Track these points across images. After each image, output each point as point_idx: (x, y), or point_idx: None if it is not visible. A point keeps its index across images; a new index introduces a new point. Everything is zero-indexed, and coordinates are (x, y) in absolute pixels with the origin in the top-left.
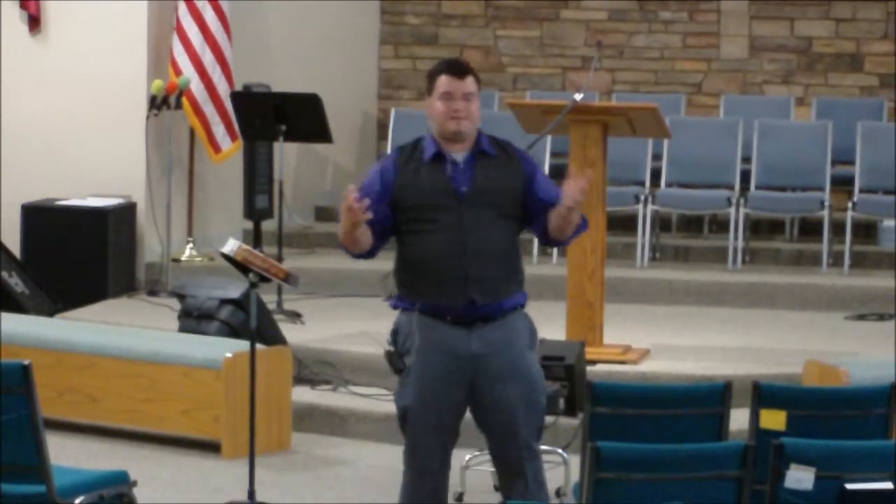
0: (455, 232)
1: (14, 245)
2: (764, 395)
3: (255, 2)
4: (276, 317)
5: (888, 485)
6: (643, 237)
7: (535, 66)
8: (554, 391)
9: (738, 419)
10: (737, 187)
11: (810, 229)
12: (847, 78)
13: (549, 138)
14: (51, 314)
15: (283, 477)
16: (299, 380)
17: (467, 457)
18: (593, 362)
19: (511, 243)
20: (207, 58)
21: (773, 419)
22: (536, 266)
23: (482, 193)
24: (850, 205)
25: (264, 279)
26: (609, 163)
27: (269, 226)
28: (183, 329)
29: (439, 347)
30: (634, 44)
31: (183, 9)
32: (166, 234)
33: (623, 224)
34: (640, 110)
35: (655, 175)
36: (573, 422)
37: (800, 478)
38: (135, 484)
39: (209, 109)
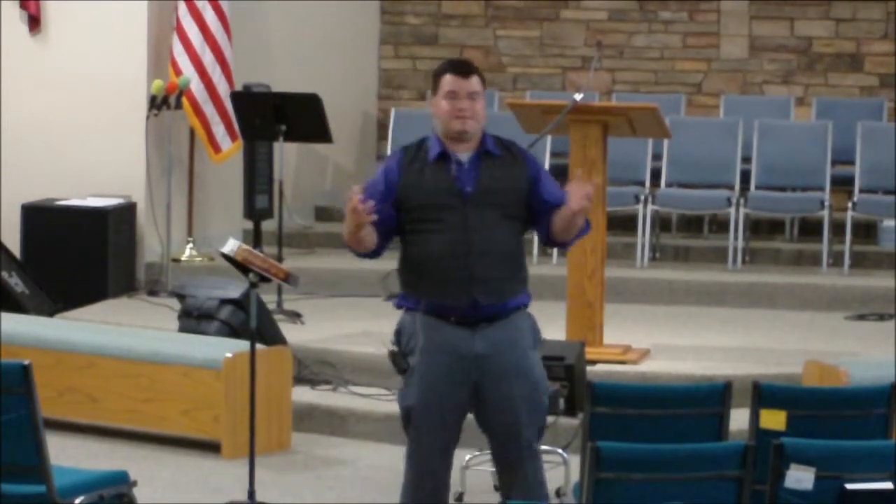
0: (460, 232)
1: (14, 245)
2: (764, 395)
3: (255, 2)
4: (276, 317)
5: (888, 485)
6: (643, 237)
7: (535, 66)
8: (554, 391)
9: (738, 419)
10: (737, 187)
11: (810, 229)
12: (847, 78)
13: (549, 138)
14: (51, 314)
15: (283, 477)
16: (299, 380)
17: (467, 457)
18: (593, 362)
19: (515, 244)
20: (207, 58)
21: (773, 419)
22: (536, 266)
23: (487, 193)
24: (850, 205)
25: (264, 279)
26: (609, 163)
27: (269, 226)
28: (183, 329)
29: (443, 348)
30: (634, 44)
31: (183, 9)
32: (166, 234)
33: (623, 224)
34: (640, 110)
35: (655, 175)
36: (573, 422)
37: (800, 478)
38: (135, 484)
39: (209, 109)
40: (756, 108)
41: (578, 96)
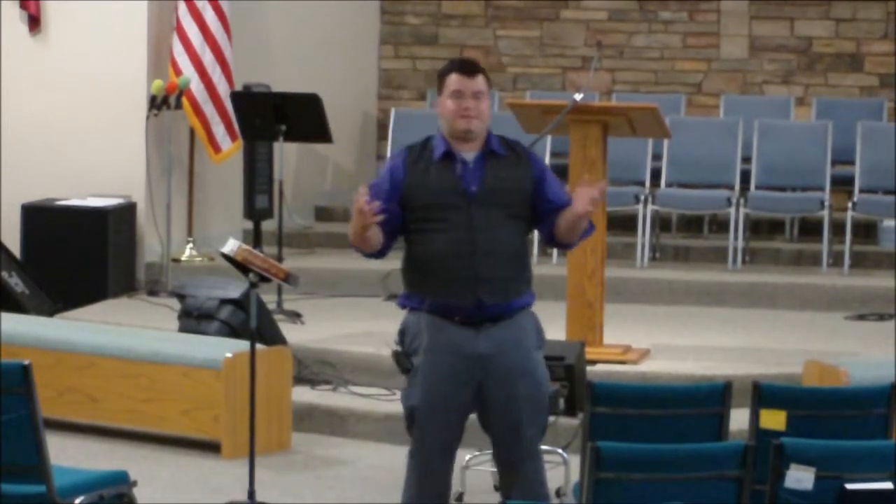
0: (465, 231)
1: (14, 245)
2: (764, 395)
3: (255, 2)
4: (276, 317)
5: (888, 485)
6: (643, 237)
7: (535, 66)
8: (554, 391)
9: (738, 419)
10: (737, 187)
11: (810, 229)
12: (847, 78)
13: (549, 138)
14: (51, 314)
15: (283, 477)
16: (299, 380)
17: (467, 457)
18: (593, 362)
19: (520, 244)
20: (207, 58)
21: (773, 419)
22: (536, 266)
23: (492, 193)
24: (850, 205)
25: (264, 279)
26: (609, 163)
27: (269, 226)
28: (183, 329)
29: (447, 348)
30: (634, 44)
31: (183, 9)
32: (166, 234)
33: (623, 224)
34: (640, 110)
35: (655, 175)
36: (573, 422)
37: (800, 478)
38: (135, 484)
39: (209, 109)
40: (756, 108)
41: (578, 96)
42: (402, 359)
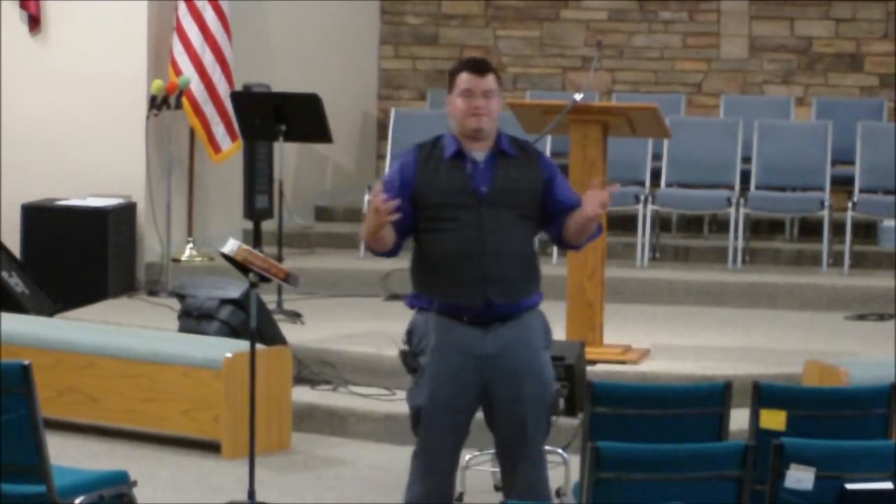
0: (474, 231)
1: (14, 245)
2: (764, 395)
3: (255, 2)
4: (276, 317)
5: (888, 485)
6: (643, 237)
7: (535, 66)
8: (554, 391)
9: (738, 419)
10: (737, 187)
11: (810, 229)
12: (847, 78)
13: (549, 138)
14: (51, 314)
15: (283, 477)
16: (299, 380)
17: (467, 457)
18: (593, 362)
19: (530, 244)
20: (207, 58)
21: (773, 419)
22: None
23: (502, 194)
24: (850, 205)
25: (264, 279)
26: (609, 163)
27: (269, 226)
28: (183, 329)
29: (455, 348)
30: (634, 44)
31: (183, 9)
32: (166, 234)
33: (623, 224)
34: (640, 110)
35: (655, 175)
36: (573, 422)
37: (800, 478)
38: (135, 484)
39: (209, 109)
40: (756, 108)
41: (578, 96)
42: (410, 358)
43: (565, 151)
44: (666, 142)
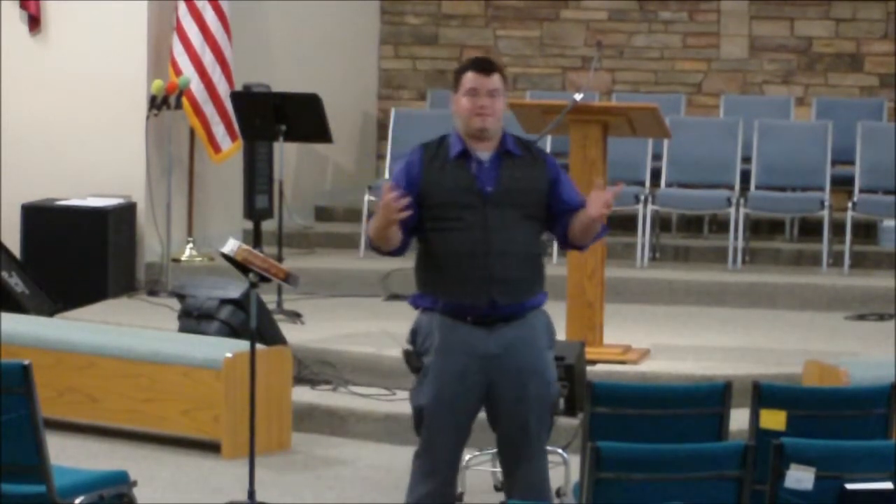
0: (479, 231)
1: (14, 245)
2: (764, 395)
3: (255, 2)
4: (276, 317)
5: (888, 485)
6: (643, 237)
7: (535, 66)
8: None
9: (738, 419)
10: (737, 187)
11: (810, 229)
12: (847, 78)
13: (549, 138)
14: (51, 314)
15: (283, 477)
16: (299, 380)
17: (467, 457)
18: (593, 362)
19: (535, 244)
20: (207, 58)
21: (773, 419)
22: None
23: (507, 193)
24: (850, 205)
25: (264, 279)
26: (609, 163)
27: (269, 226)
28: (183, 329)
29: (459, 347)
30: (634, 44)
31: (183, 9)
32: (166, 234)
33: (623, 224)
34: (640, 110)
35: (655, 175)
36: (573, 422)
37: (800, 478)
38: (135, 484)
39: (209, 109)
40: (756, 108)
41: (578, 96)
42: (413, 358)
43: (565, 151)
44: (666, 142)
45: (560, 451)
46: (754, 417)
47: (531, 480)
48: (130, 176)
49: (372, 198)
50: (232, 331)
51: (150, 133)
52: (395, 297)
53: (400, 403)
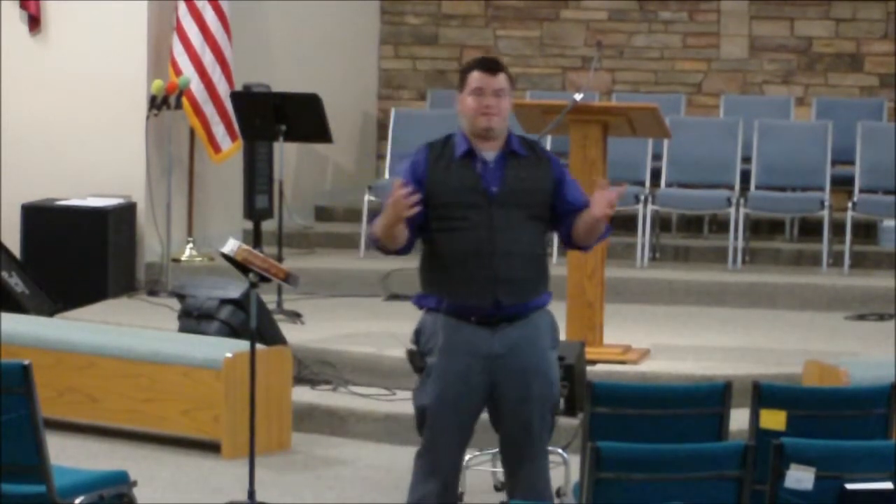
0: (485, 231)
1: (14, 245)
2: (764, 395)
3: (255, 2)
4: (276, 317)
5: (888, 485)
6: (643, 237)
7: (535, 66)
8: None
9: (738, 419)
10: (737, 187)
11: (810, 229)
12: (847, 78)
13: (549, 138)
14: (51, 314)
15: (283, 477)
16: (299, 380)
17: (467, 457)
18: (593, 362)
19: (539, 244)
20: (207, 58)
21: (773, 419)
22: None
23: (512, 194)
24: (850, 205)
25: (264, 279)
26: (609, 163)
27: (269, 226)
28: (183, 329)
29: (463, 347)
30: (634, 44)
31: (183, 9)
32: (166, 234)
33: (623, 224)
34: (640, 110)
35: (655, 175)
36: (573, 422)
37: (800, 478)
38: (135, 484)
39: (209, 109)
40: (756, 108)
41: (578, 96)
42: (417, 358)
43: (565, 151)
44: (666, 142)
45: (560, 451)
46: (754, 417)
47: (533, 480)
48: (130, 176)
49: (372, 198)
50: (232, 331)
51: (150, 133)
52: (395, 297)
53: (400, 403)
